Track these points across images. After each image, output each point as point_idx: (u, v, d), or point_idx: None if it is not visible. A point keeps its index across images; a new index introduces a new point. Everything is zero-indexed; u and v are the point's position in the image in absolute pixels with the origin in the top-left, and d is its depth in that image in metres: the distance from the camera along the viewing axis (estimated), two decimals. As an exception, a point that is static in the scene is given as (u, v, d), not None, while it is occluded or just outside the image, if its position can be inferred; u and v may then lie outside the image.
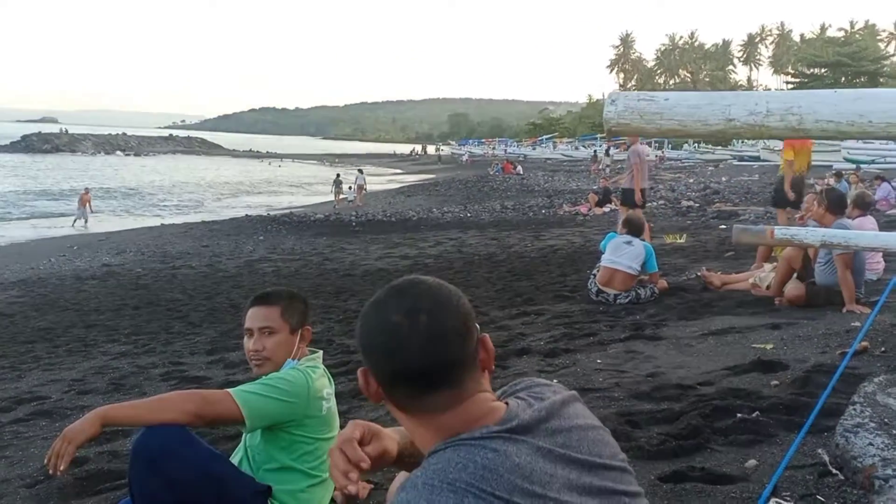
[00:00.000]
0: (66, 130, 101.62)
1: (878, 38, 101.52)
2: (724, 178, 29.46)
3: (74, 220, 24.89)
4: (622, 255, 7.01)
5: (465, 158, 71.84)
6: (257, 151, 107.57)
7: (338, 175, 34.37)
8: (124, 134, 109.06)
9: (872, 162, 26.62)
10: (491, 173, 42.92)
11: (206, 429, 3.12)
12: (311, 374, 2.42)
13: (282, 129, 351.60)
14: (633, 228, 7.23)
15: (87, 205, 25.39)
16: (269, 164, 77.71)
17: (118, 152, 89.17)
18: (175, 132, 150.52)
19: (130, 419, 2.24)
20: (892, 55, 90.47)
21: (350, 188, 32.12)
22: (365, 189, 32.38)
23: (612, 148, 57.74)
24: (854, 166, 23.35)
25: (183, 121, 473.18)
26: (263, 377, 2.39)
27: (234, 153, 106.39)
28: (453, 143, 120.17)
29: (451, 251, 13.45)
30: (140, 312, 9.11)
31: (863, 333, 3.79)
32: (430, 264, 11.91)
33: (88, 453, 3.67)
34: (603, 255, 7.21)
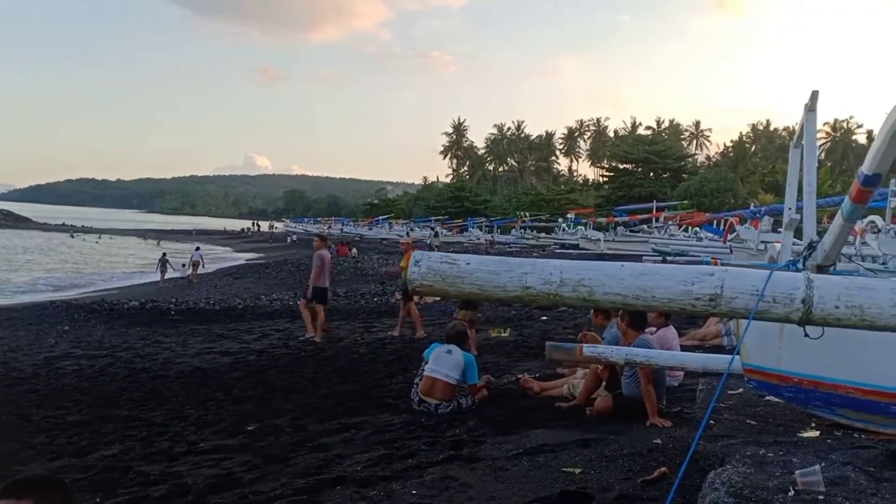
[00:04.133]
0: None
1: (682, 136, 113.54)
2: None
3: None
4: (442, 364, 7.05)
5: (292, 238, 69.41)
6: (71, 225, 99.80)
7: (164, 254, 33.20)
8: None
9: (679, 254, 28.97)
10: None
11: None
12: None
13: (102, 202, 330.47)
14: (455, 338, 7.33)
15: None
16: (84, 239, 72.39)
17: None
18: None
19: None
20: (694, 154, 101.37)
21: (184, 265, 31.63)
22: (202, 265, 32.30)
23: (440, 230, 59.51)
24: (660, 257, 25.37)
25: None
26: None
27: (44, 227, 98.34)
28: (287, 220, 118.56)
29: (276, 346, 12.96)
30: None
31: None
32: (252, 362, 11.38)
33: None
34: (426, 364, 7.21)
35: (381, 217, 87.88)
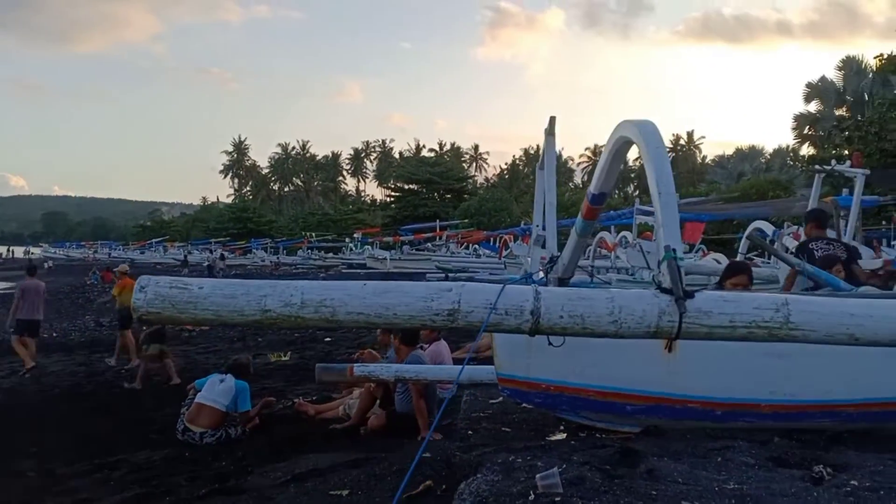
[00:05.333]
0: None
1: (462, 159, 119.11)
2: (332, 287, 30.67)
3: None
4: (213, 390, 6.74)
5: (49, 265, 62.48)
6: None
7: None
8: None
9: (461, 270, 30.11)
10: (88, 282, 39.02)
11: None
12: None
13: None
14: (234, 369, 7.06)
15: None
16: None
17: None
18: None
19: None
20: (473, 175, 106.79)
21: None
22: None
23: (224, 253, 57.18)
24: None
25: None
26: None
27: None
28: (46, 245, 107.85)
29: (26, 384, 11.61)
30: None
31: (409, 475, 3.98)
32: (-7, 404, 10.07)
33: None
34: (196, 393, 6.84)
35: (154, 240, 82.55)
